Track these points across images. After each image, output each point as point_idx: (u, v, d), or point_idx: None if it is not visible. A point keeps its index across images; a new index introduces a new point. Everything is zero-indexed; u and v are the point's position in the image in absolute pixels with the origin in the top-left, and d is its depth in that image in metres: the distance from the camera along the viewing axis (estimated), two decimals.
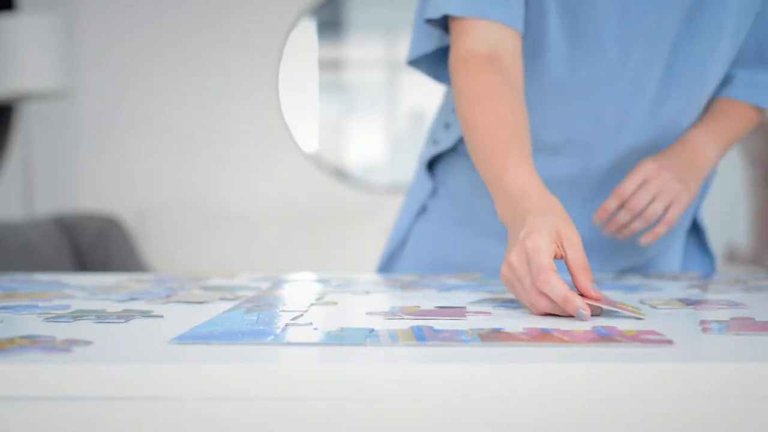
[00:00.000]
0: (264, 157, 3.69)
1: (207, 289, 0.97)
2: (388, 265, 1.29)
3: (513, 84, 0.97)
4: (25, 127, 3.08)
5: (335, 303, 0.85)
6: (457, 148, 1.21)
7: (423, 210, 1.25)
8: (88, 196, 3.64)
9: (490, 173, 0.90)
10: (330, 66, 3.85)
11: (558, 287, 0.73)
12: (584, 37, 1.03)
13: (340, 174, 3.74)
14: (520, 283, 0.77)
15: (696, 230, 1.28)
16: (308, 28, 3.75)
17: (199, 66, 3.66)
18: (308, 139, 3.75)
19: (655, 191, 1.04)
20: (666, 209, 1.05)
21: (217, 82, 3.67)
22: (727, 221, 4.06)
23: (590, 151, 1.10)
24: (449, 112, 1.21)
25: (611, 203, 1.05)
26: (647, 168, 1.05)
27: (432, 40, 1.09)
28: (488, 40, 0.98)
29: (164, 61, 3.66)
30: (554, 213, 0.80)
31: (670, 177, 1.04)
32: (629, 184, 1.04)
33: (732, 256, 3.88)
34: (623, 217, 1.05)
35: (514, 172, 0.86)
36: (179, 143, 3.68)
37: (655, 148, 1.10)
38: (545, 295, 0.74)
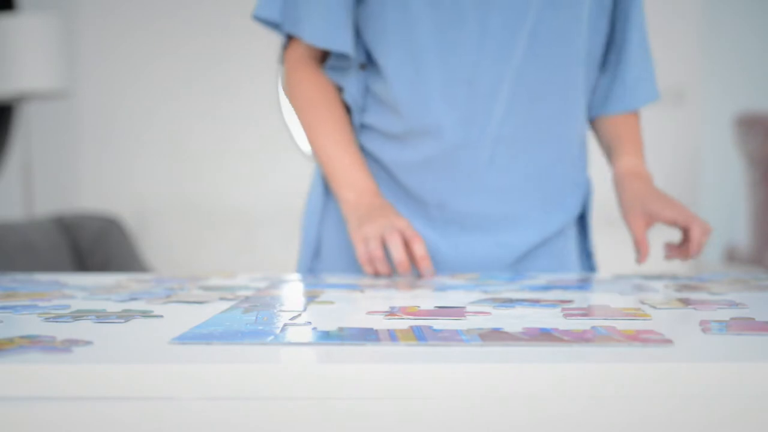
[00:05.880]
0: (264, 157, 3.69)
1: (207, 289, 0.97)
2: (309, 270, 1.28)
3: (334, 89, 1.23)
4: (25, 127, 3.08)
5: (332, 302, 0.85)
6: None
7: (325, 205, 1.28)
8: (88, 196, 3.64)
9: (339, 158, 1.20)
10: None
11: None
12: (444, 4, 1.13)
13: None
14: None
15: (584, 232, 1.31)
16: None
17: (199, 66, 3.66)
18: None
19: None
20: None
21: (217, 82, 3.67)
22: (727, 221, 4.06)
23: (469, 123, 1.15)
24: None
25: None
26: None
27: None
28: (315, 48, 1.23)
29: (164, 61, 3.66)
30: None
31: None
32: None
33: (732, 256, 3.88)
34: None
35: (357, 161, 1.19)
36: (179, 143, 3.68)
37: (530, 120, 1.17)
38: None
